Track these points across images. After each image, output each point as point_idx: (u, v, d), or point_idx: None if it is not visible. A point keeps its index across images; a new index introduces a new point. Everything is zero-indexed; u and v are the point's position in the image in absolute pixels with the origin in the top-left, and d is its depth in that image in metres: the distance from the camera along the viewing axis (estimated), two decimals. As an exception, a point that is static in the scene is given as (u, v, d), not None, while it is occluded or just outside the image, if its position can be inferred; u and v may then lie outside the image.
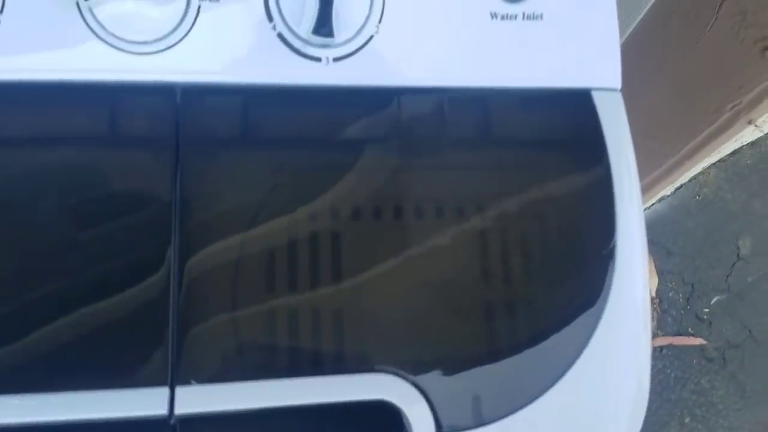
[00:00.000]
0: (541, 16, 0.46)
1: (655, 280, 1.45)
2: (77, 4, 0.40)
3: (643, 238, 0.47)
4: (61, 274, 0.40)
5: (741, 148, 1.31)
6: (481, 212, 0.45)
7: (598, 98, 0.47)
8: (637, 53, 0.99)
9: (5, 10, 0.40)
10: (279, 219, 0.43)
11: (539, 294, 0.45)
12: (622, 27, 1.00)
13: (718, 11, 0.84)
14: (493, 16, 0.45)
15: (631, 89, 1.00)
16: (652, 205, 1.46)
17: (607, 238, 0.45)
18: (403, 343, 0.43)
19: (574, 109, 0.47)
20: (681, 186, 1.47)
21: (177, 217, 0.41)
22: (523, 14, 0.46)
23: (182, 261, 0.41)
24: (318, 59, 0.44)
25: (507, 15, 0.45)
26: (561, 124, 0.47)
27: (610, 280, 0.45)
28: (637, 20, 0.97)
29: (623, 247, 0.45)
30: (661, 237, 1.46)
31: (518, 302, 0.45)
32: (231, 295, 0.42)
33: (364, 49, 0.44)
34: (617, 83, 0.48)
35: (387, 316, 0.43)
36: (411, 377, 0.41)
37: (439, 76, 0.45)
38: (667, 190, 1.40)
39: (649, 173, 1.18)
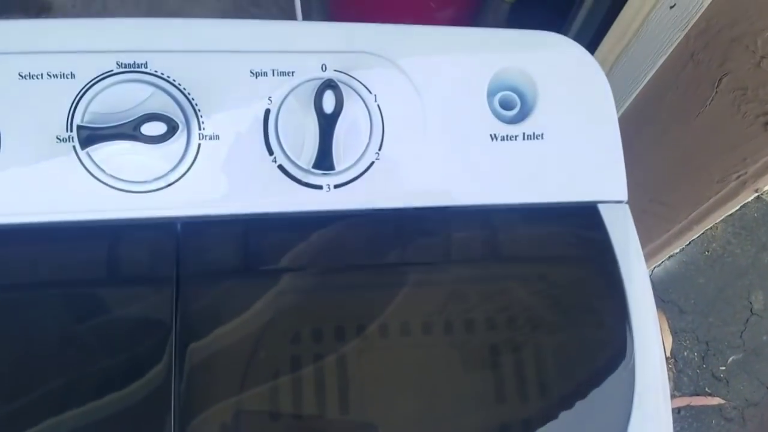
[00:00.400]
0: (542, 136, 0.45)
1: (670, 339, 1.43)
2: (74, 148, 0.40)
3: (660, 348, 0.46)
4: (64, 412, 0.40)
5: (747, 202, 1.31)
6: (494, 326, 0.44)
7: (605, 211, 0.47)
8: (641, 119, 0.99)
9: (1, 154, 0.40)
10: (277, 343, 0.43)
11: (553, 414, 0.44)
12: (623, 95, 1.01)
13: (717, 86, 0.84)
14: (494, 137, 0.45)
15: (636, 154, 0.99)
16: (662, 262, 1.44)
17: (624, 351, 0.44)
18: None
19: (582, 223, 0.46)
20: (690, 242, 1.46)
21: (177, 356, 0.41)
22: (524, 134, 0.45)
23: (184, 402, 0.40)
24: (319, 187, 0.43)
25: (507, 136, 0.45)
26: (570, 238, 0.47)
27: (631, 395, 0.44)
28: (638, 89, 0.97)
29: (642, 360, 0.44)
30: (672, 295, 1.44)
31: (535, 420, 0.44)
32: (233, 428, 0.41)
33: (365, 174, 0.44)
34: (623, 195, 0.47)
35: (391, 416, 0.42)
36: None
37: (442, 196, 0.45)
38: (676, 249, 1.38)
39: (658, 236, 1.17)
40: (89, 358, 0.40)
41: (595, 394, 0.44)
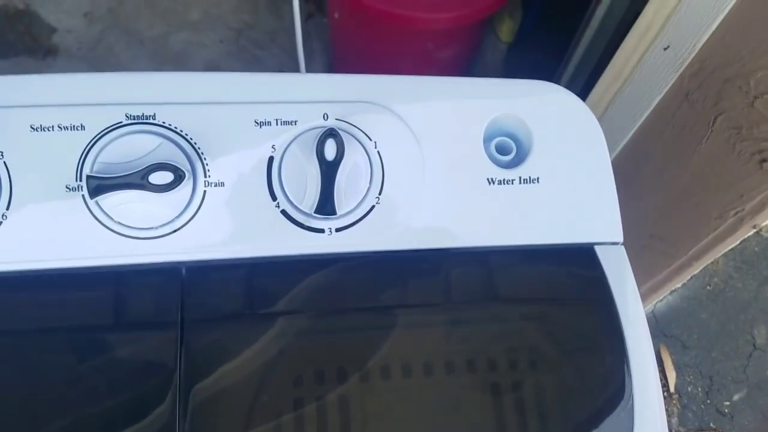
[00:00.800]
0: (538, 180, 0.47)
1: (673, 374, 1.42)
2: (83, 197, 0.41)
3: (659, 388, 0.46)
4: None
5: (748, 236, 1.31)
6: (493, 371, 0.45)
7: (601, 252, 0.47)
8: (638, 158, 1.01)
9: (11, 205, 0.41)
10: (280, 386, 0.43)
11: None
12: (620, 134, 1.02)
13: (712, 125, 0.86)
14: (491, 181, 0.46)
15: (635, 191, 1.00)
16: (664, 297, 1.44)
17: (623, 391, 0.45)
18: None
19: (579, 264, 0.47)
20: (691, 277, 1.47)
21: (180, 403, 0.41)
22: (520, 178, 0.47)
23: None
24: (321, 231, 0.44)
25: (504, 180, 0.46)
26: (568, 279, 0.48)
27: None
28: (635, 128, 0.99)
29: (641, 401, 0.45)
30: (675, 330, 1.44)
31: None
32: None
33: (366, 218, 0.45)
34: (619, 237, 0.48)
35: None
36: None
37: (441, 239, 0.46)
38: (677, 284, 1.39)
39: (659, 272, 1.17)
40: (93, 402, 0.41)
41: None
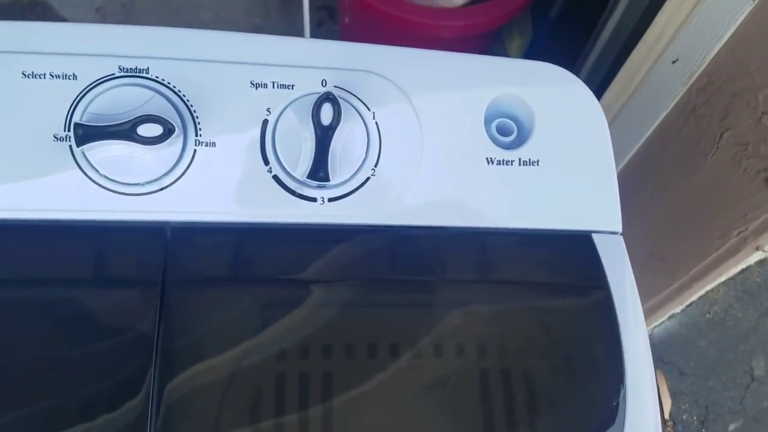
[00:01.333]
0: (538, 162, 0.45)
1: (669, 401, 1.39)
2: (70, 147, 0.40)
3: (653, 381, 0.45)
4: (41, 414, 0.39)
5: (749, 266, 1.30)
6: (482, 354, 0.43)
7: (599, 241, 0.46)
8: (642, 173, 1.00)
9: (-1, 150, 0.40)
10: (262, 358, 0.42)
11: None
12: (625, 148, 1.01)
13: (718, 142, 0.85)
14: (490, 161, 0.45)
15: (637, 207, 0.99)
16: (662, 322, 1.42)
17: (616, 383, 0.43)
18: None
19: (575, 251, 0.46)
20: (691, 304, 1.45)
21: (157, 362, 0.40)
22: (520, 160, 0.45)
23: (160, 404, 0.39)
24: (314, 199, 0.43)
25: (503, 161, 0.45)
26: (563, 265, 0.46)
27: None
28: (640, 143, 0.98)
29: (633, 392, 0.43)
30: (672, 356, 1.41)
31: None
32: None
33: (360, 190, 0.44)
34: (618, 227, 0.47)
35: None
36: None
37: (435, 216, 0.44)
38: (677, 308, 1.37)
39: (659, 292, 1.15)
40: (66, 358, 0.39)
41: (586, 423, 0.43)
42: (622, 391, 0.43)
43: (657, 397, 0.46)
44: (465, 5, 1.19)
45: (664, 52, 0.88)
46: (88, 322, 0.40)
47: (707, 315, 1.45)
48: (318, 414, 0.41)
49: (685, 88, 0.87)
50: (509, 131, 0.46)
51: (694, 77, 0.85)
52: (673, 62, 0.88)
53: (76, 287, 0.41)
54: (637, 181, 1.00)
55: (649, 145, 0.96)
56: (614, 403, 0.43)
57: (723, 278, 1.16)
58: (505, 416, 0.43)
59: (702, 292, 1.23)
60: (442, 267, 0.44)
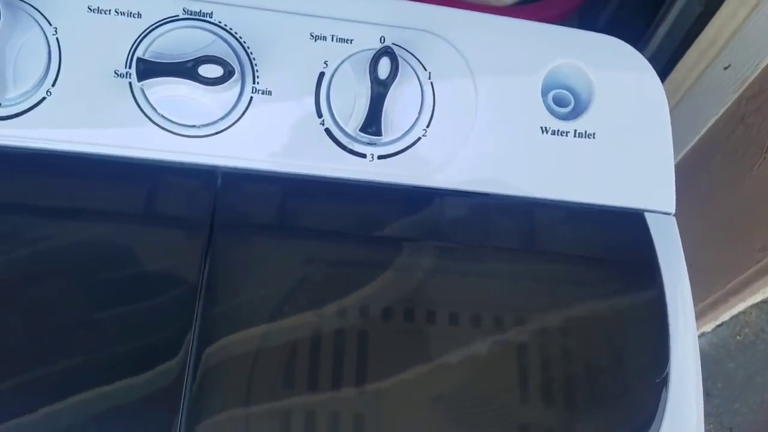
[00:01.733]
0: (593, 135, 0.45)
1: (692, 422, 1.36)
2: (129, 84, 0.41)
3: (698, 370, 0.44)
4: (77, 349, 0.39)
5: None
6: (522, 327, 0.42)
7: (652, 221, 0.45)
8: (685, 180, 0.98)
9: (58, 82, 0.40)
10: (306, 313, 0.42)
11: (580, 421, 0.42)
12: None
13: (766, 152, 0.83)
14: (544, 130, 0.45)
15: (676, 215, 0.97)
16: (691, 341, 1.39)
17: (660, 367, 0.42)
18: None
19: (626, 229, 0.45)
20: (721, 324, 1.41)
21: (201, 302, 0.40)
22: (575, 132, 0.45)
23: (200, 348, 0.39)
24: (363, 155, 0.43)
25: (558, 131, 0.45)
26: (612, 243, 0.45)
27: (663, 410, 0.41)
28: (686, 149, 0.96)
29: (677, 379, 0.42)
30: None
31: (558, 428, 0.41)
32: (247, 389, 0.39)
33: (410, 150, 0.43)
34: (671, 207, 0.46)
35: (411, 428, 0.40)
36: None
37: (485, 183, 0.44)
38: (708, 327, 1.34)
39: (693, 305, 1.13)
40: (112, 297, 0.40)
41: (624, 407, 0.42)
42: (666, 380, 0.42)
43: (701, 393, 0.44)
44: (514, 5, 1.18)
45: (716, 58, 0.86)
46: (132, 259, 0.40)
47: (737, 337, 1.42)
48: (351, 375, 0.41)
49: (736, 96, 0.86)
50: (566, 102, 0.45)
51: (746, 85, 0.84)
52: (725, 68, 0.86)
53: (124, 221, 0.41)
54: (679, 188, 0.99)
55: (694, 152, 0.94)
56: (655, 397, 0.42)
57: (758, 299, 1.14)
58: (540, 393, 0.42)
59: (736, 310, 1.20)
60: (487, 235, 0.44)
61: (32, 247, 0.40)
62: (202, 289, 0.40)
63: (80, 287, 0.40)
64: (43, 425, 0.37)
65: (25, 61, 0.40)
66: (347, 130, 0.43)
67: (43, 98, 0.40)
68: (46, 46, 0.40)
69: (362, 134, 0.42)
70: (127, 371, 0.38)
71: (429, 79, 0.44)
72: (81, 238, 0.41)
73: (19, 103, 0.40)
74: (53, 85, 0.40)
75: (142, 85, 0.40)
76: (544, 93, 0.45)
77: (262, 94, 0.42)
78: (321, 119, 0.43)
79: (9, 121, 0.40)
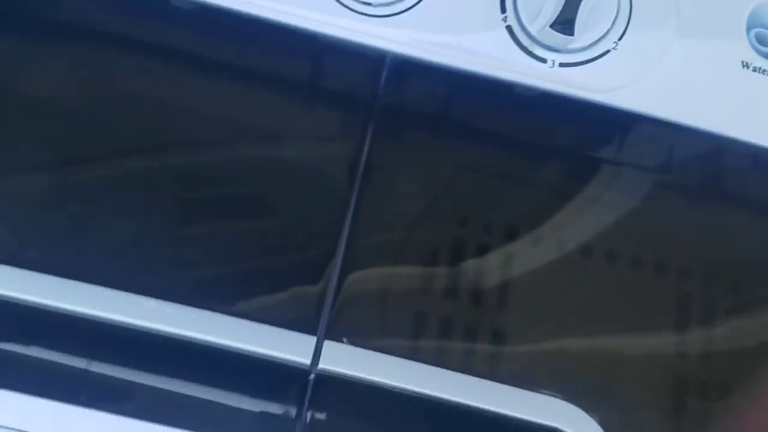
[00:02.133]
0: (802, 76, 0.40)
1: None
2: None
3: None
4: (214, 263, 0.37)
5: None
6: (698, 274, 0.38)
7: None
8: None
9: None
10: (455, 223, 0.38)
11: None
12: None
13: None
14: (745, 65, 0.40)
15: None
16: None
17: None
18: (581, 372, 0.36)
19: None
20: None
21: (355, 196, 0.38)
22: (779, 71, 0.40)
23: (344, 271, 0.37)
24: (543, 60, 0.40)
25: (761, 69, 0.40)
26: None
27: None
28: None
29: None
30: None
31: (718, 385, 0.37)
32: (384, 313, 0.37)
33: (596, 62, 0.40)
34: None
35: (562, 343, 0.37)
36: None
37: (673, 110, 0.40)
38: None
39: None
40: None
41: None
42: None
43: None
44: None
45: None
46: (294, 123, 0.38)
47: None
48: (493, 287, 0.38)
49: None
50: (768, 42, 0.41)
51: None
52: None
53: (287, 87, 0.39)
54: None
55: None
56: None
57: None
58: (700, 356, 0.37)
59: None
60: (669, 168, 0.40)
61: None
62: (358, 183, 0.38)
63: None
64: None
65: None
66: (531, 30, 0.39)
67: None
68: None
69: (552, 31, 0.38)
70: (266, 291, 0.36)
71: (628, -11, 0.40)
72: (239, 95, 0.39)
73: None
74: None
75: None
76: (750, 25, 0.41)
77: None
78: (504, 15, 0.40)
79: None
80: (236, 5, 0.39)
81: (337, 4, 0.39)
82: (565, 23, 0.38)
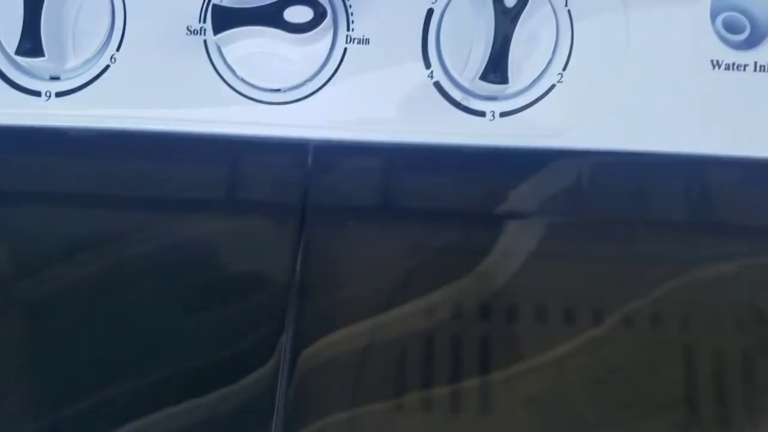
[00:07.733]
0: (781, 67, 0.35)
1: None
2: (204, 42, 0.35)
3: None
4: (163, 358, 0.35)
5: None
6: (686, 323, 0.34)
7: None
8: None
9: (123, 45, 0.35)
10: (415, 308, 0.35)
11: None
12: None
13: None
14: (716, 64, 0.35)
15: None
16: None
17: None
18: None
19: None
20: None
21: (295, 299, 0.34)
22: (755, 64, 0.35)
23: (296, 351, 0.34)
24: (482, 114, 0.35)
25: (734, 65, 0.35)
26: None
27: None
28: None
29: None
30: None
31: None
32: (349, 396, 0.34)
33: (542, 101, 0.35)
34: None
35: None
36: None
37: (639, 139, 0.35)
38: None
39: None
40: (198, 280, 0.35)
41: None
42: None
43: None
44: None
45: None
46: (218, 246, 0.35)
47: None
48: (473, 385, 0.34)
49: None
50: (740, 28, 0.35)
51: None
52: None
53: (205, 209, 0.36)
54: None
55: None
56: None
57: None
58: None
59: None
60: (646, 206, 0.35)
61: (105, 246, 0.36)
62: (296, 285, 0.35)
63: (159, 289, 0.36)
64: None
65: (86, 22, 0.35)
66: (461, 81, 0.35)
67: (107, 66, 0.35)
68: (110, 2, 0.35)
69: (482, 84, 0.33)
70: (217, 379, 0.34)
71: (566, 6, 0.34)
72: (158, 231, 0.36)
73: (81, 74, 0.35)
74: (117, 50, 0.35)
75: (218, 39, 0.33)
76: (713, 16, 0.35)
77: (358, 43, 0.35)
78: (429, 71, 0.35)
79: (70, 96, 0.35)
80: (138, 125, 0.35)
81: (244, 98, 0.35)
82: (495, 72, 0.33)
